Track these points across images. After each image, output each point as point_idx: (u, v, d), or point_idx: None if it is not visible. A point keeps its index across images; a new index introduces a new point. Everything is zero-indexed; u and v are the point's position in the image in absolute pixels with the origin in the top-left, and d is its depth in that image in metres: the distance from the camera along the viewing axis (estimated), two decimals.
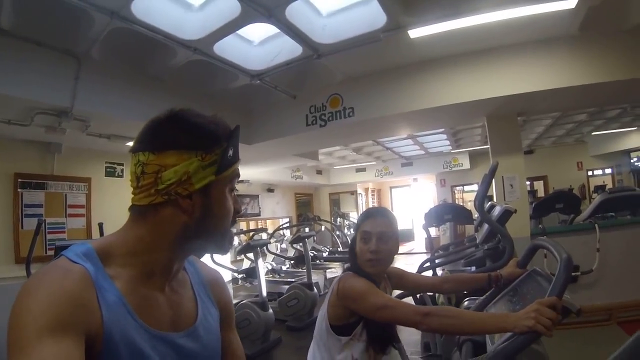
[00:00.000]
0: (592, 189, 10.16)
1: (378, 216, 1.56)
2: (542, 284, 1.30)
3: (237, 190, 0.81)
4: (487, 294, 1.69)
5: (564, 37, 3.98)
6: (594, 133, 9.36)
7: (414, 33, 3.63)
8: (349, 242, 1.64)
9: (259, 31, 4.01)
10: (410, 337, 4.13)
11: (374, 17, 3.49)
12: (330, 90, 5.10)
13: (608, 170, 10.88)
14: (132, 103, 4.22)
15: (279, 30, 3.64)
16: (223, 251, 0.79)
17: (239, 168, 0.81)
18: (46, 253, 4.58)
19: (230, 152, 0.75)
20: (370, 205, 14.80)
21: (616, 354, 0.67)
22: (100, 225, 4.30)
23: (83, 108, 3.79)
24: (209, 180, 0.72)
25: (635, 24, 3.68)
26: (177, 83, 4.55)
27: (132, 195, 0.73)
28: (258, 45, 4.23)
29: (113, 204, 5.47)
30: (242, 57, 4.20)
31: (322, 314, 1.50)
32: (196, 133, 0.72)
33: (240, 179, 0.83)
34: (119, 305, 0.64)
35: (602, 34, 3.90)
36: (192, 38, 3.60)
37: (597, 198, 4.84)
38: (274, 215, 11.47)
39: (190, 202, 0.71)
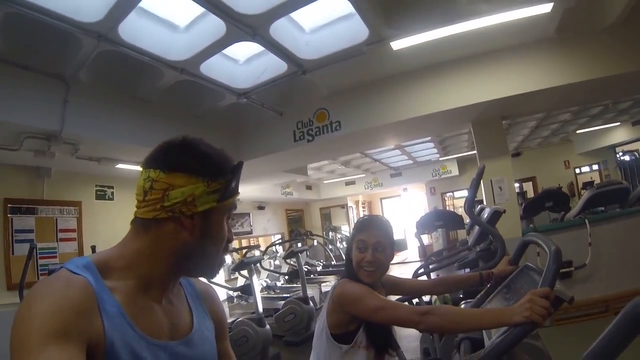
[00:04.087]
0: (580, 185, 10.32)
1: (374, 226, 1.56)
2: (535, 277, 1.33)
3: (233, 220, 0.86)
4: (481, 293, 1.73)
5: (542, 39, 4.09)
6: (578, 131, 9.51)
7: (396, 45, 3.71)
8: (344, 253, 1.64)
9: (243, 50, 4.07)
10: (409, 344, 4.15)
11: (356, 31, 3.57)
12: (317, 105, 5.16)
13: (595, 167, 11.02)
14: (121, 125, 4.24)
15: (263, 49, 3.71)
16: (212, 274, 0.84)
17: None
18: (38, 278, 4.50)
19: (233, 185, 0.81)
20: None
21: (603, 336, 0.71)
22: (93, 249, 4.28)
23: (72, 131, 3.79)
24: (210, 206, 0.77)
25: (610, 23, 3.79)
26: (165, 104, 4.59)
27: (136, 209, 0.77)
28: (243, 63, 4.30)
29: (104, 227, 5.45)
30: (228, 76, 4.26)
31: (320, 323, 1.51)
32: (205, 161, 0.78)
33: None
34: (118, 316, 0.67)
35: (579, 35, 4.01)
36: (179, 59, 3.65)
37: (585, 194, 4.93)
38: (266, 233, 11.41)
39: (191, 222, 0.76)
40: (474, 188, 2.33)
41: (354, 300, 1.40)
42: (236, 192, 0.83)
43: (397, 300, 2.45)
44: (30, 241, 4.42)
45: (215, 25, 3.28)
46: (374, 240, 1.51)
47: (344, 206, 14.13)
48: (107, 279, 0.70)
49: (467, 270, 3.55)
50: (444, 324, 1.27)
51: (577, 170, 11.19)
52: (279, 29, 3.43)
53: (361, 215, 14.85)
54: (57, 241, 4.92)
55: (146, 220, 0.76)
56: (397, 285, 1.73)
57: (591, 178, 10.36)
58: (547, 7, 3.35)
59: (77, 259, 0.71)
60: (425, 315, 1.26)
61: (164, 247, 0.76)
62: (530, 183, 11.36)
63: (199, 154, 0.78)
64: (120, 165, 5.09)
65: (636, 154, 9.85)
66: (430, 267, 3.99)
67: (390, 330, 1.53)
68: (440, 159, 10.85)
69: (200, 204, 0.76)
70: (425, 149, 9.45)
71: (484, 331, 1.36)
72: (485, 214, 2.92)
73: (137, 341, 0.69)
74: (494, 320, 1.17)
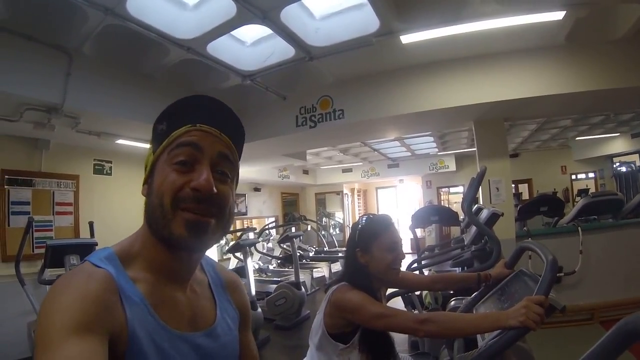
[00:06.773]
0: (575, 192, 10.37)
1: (392, 223, 1.60)
2: (529, 283, 1.36)
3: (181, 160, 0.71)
4: (475, 294, 1.75)
5: (551, 46, 4.09)
6: (578, 138, 9.56)
7: (406, 39, 3.69)
8: (347, 256, 1.61)
9: (251, 32, 4.02)
10: (397, 335, 4.18)
11: (367, 21, 3.54)
12: (321, 92, 5.13)
13: (591, 175, 11.06)
14: (123, 101, 4.21)
15: (271, 32, 3.66)
16: (171, 235, 0.69)
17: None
18: (33, 251, 4.50)
19: (164, 126, 0.74)
20: (357, 206, 14.89)
21: (593, 348, 0.73)
22: (91, 224, 4.24)
23: (74, 105, 3.76)
24: (150, 162, 0.74)
25: (620, 36, 3.81)
26: (168, 81, 4.54)
27: None
28: (250, 45, 4.25)
29: (101, 202, 5.46)
30: (234, 58, 4.21)
31: (318, 321, 1.53)
32: (154, 126, 0.76)
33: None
34: (140, 306, 0.67)
35: (588, 45, 4.02)
36: (186, 37, 3.61)
37: (580, 202, 4.98)
38: (261, 215, 11.43)
39: (145, 187, 0.74)
40: (475, 189, 2.35)
41: (354, 309, 1.42)
42: (172, 129, 0.73)
43: (389, 294, 2.48)
44: (26, 213, 4.42)
45: (226, 6, 3.23)
46: (399, 237, 1.56)
47: (340, 193, 14.11)
48: (129, 268, 0.70)
49: (459, 269, 3.59)
50: (443, 331, 1.31)
51: (573, 177, 11.23)
52: (290, 14, 3.40)
53: (356, 203, 14.85)
54: (53, 214, 4.90)
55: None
56: (399, 279, 1.74)
57: (586, 186, 10.41)
58: (559, 15, 3.35)
59: (100, 251, 0.70)
60: (424, 323, 1.29)
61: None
62: (526, 185, 11.37)
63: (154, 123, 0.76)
64: (120, 141, 5.07)
65: (632, 165, 9.89)
66: (425, 262, 4.03)
67: (390, 338, 1.55)
68: (439, 153, 10.86)
69: (148, 165, 0.75)
70: (424, 143, 9.43)
71: None
72: (484, 214, 2.94)
73: (159, 332, 0.68)
74: (491, 325, 1.21)
